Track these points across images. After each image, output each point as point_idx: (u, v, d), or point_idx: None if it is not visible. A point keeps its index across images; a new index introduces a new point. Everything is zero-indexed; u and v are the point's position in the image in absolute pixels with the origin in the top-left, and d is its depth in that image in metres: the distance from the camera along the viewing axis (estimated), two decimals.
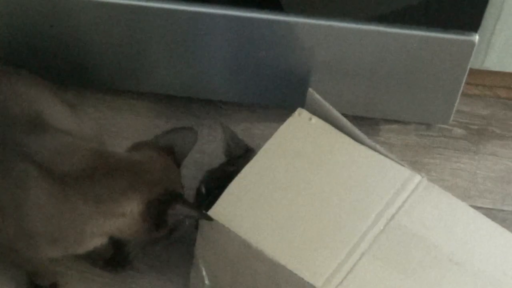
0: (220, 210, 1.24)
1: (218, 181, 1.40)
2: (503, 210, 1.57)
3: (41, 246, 1.28)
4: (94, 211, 1.24)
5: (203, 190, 1.44)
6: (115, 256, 1.48)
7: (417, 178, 1.28)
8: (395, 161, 1.30)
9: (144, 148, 1.33)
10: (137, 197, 1.25)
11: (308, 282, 1.17)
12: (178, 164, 1.34)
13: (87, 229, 1.25)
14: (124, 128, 1.68)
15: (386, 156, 1.30)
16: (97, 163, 1.26)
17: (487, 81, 1.71)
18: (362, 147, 1.32)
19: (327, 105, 1.34)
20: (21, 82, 1.36)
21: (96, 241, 1.30)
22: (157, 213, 1.25)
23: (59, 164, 1.24)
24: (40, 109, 1.31)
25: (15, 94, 1.32)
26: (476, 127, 1.69)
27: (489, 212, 1.55)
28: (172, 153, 1.33)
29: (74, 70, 1.63)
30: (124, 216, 1.25)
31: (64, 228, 1.25)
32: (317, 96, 1.35)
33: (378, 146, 1.31)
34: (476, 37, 1.41)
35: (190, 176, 1.52)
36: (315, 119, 1.36)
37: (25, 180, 1.23)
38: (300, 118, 1.36)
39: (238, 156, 1.46)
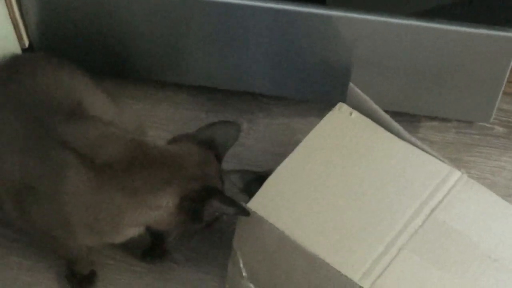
0: (259, 202, 1.24)
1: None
2: None
3: (79, 234, 1.29)
4: (130, 201, 1.24)
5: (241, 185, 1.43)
6: (153, 247, 1.49)
7: (457, 174, 1.27)
8: (435, 157, 1.29)
9: (184, 141, 1.33)
10: (173, 191, 1.25)
11: (345, 276, 1.16)
12: (219, 158, 1.33)
13: (123, 219, 1.26)
14: (164, 120, 1.68)
15: (426, 151, 1.30)
16: (135, 154, 1.26)
17: None
18: (402, 142, 1.31)
19: (368, 99, 1.34)
20: (63, 71, 1.37)
21: (132, 231, 1.30)
22: (193, 207, 1.25)
23: (98, 154, 1.25)
24: (81, 99, 1.32)
25: (57, 83, 1.34)
26: None
27: None
28: (213, 147, 1.32)
29: (114, 61, 1.65)
30: (160, 209, 1.25)
31: (101, 217, 1.25)
32: (358, 90, 1.35)
33: (418, 142, 1.31)
34: None
35: (228, 168, 1.52)
36: (355, 114, 1.35)
37: (64, 168, 1.24)
38: (341, 113, 1.36)
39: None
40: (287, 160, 1.30)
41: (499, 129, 1.67)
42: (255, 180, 1.39)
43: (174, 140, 1.35)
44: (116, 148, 1.26)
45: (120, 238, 1.32)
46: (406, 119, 1.64)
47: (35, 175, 1.27)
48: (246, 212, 1.23)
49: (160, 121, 1.68)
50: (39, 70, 1.37)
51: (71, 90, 1.34)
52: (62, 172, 1.24)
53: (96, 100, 1.36)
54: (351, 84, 1.35)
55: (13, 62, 1.45)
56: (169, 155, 1.29)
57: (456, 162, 1.60)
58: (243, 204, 1.24)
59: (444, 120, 1.67)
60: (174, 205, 1.25)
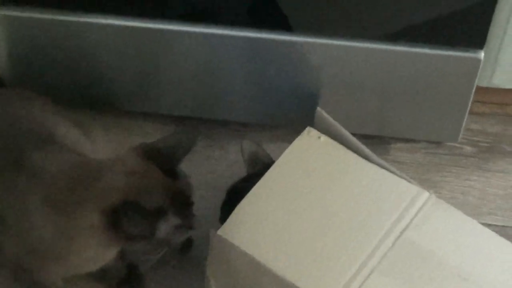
0: (230, 228, 1.24)
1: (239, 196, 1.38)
2: None
3: (49, 265, 1.26)
4: (67, 224, 1.19)
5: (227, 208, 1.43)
6: (128, 277, 1.48)
7: (426, 195, 1.28)
8: (404, 178, 1.30)
9: (126, 151, 1.26)
10: (92, 206, 1.18)
11: None
12: (169, 169, 1.25)
13: (76, 244, 1.21)
14: None
15: (394, 173, 1.31)
16: (74, 174, 1.21)
17: (496, 99, 1.72)
18: (371, 165, 1.32)
19: (335, 123, 1.35)
20: (35, 104, 1.37)
21: (91, 257, 1.23)
22: (118, 222, 1.17)
23: (59, 180, 1.22)
24: (52, 130, 1.31)
25: (29, 115, 1.33)
26: (486, 144, 1.69)
27: (500, 229, 1.55)
28: (157, 157, 1.24)
29: (84, 92, 1.65)
30: (92, 228, 1.19)
31: (64, 245, 1.21)
32: (326, 115, 1.36)
33: (386, 164, 1.32)
34: (481, 54, 1.42)
35: (201, 196, 1.53)
36: (324, 138, 1.36)
37: (27, 196, 1.22)
38: (309, 137, 1.37)
39: (258, 174, 1.45)
40: (257, 185, 1.30)
41: (468, 148, 1.69)
42: (263, 164, 1.43)
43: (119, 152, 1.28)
44: (68, 171, 1.23)
45: (89, 267, 1.26)
46: (376, 141, 1.65)
47: (4, 205, 1.25)
48: (186, 229, 1.20)
49: None
50: (10, 103, 1.37)
51: (42, 121, 1.32)
52: (26, 200, 1.22)
53: (68, 131, 1.35)
54: (318, 109, 1.36)
55: None
56: (96, 168, 1.22)
57: (426, 182, 1.62)
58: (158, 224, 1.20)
59: (414, 141, 1.68)
60: (100, 221, 1.18)
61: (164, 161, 1.24)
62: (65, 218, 1.20)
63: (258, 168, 1.46)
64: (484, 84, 1.56)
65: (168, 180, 1.24)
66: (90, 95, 1.65)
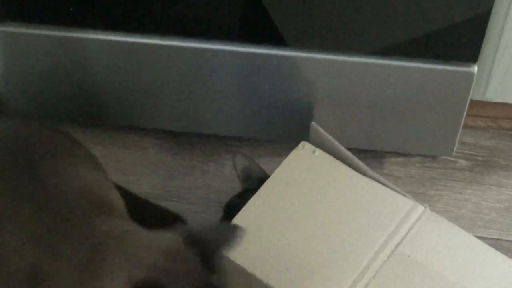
0: None
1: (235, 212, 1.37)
2: (508, 240, 1.58)
3: None
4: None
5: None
6: None
7: (420, 208, 1.29)
8: (398, 192, 1.30)
9: (171, 230, 1.16)
10: (121, 276, 1.09)
11: None
12: (207, 258, 1.14)
13: None
14: (130, 165, 1.69)
15: (389, 187, 1.31)
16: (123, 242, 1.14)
17: (490, 113, 1.73)
18: (365, 179, 1.33)
19: (330, 138, 1.36)
20: (77, 156, 1.27)
21: None
22: None
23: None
24: (107, 194, 1.23)
25: (78, 177, 1.22)
26: (480, 158, 1.70)
27: (495, 243, 1.55)
28: (198, 244, 1.14)
29: (78, 108, 1.65)
30: None
31: None
32: (320, 129, 1.36)
33: (381, 178, 1.32)
34: (475, 68, 1.42)
35: (196, 211, 1.53)
36: (318, 152, 1.37)
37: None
38: (304, 151, 1.37)
39: (252, 189, 1.45)
40: (252, 199, 1.31)
41: (462, 162, 1.69)
42: (257, 178, 1.43)
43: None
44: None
45: None
46: (370, 155, 1.66)
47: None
48: None
49: (127, 166, 1.69)
50: (49, 154, 1.24)
51: (96, 186, 1.22)
52: None
53: (115, 191, 1.27)
54: (313, 123, 1.37)
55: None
56: (133, 240, 1.14)
57: (421, 196, 1.62)
58: None
59: (408, 155, 1.69)
60: None
61: (205, 251, 1.14)
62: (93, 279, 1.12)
63: (252, 182, 1.46)
64: (477, 98, 1.57)
65: (202, 272, 1.15)
66: (85, 110, 1.66)
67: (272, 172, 1.35)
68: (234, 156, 1.49)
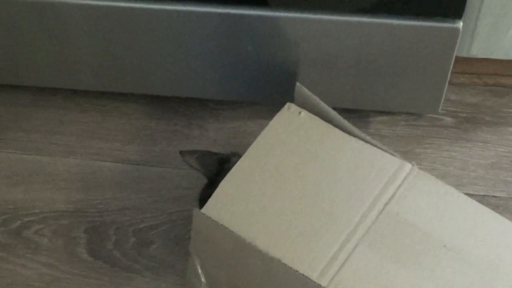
0: (213, 207, 1.24)
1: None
2: (495, 196, 1.58)
3: None
4: None
5: None
6: None
7: (408, 166, 1.28)
8: (386, 151, 1.30)
9: None
10: None
11: (303, 274, 1.17)
12: None
13: None
14: (114, 131, 1.68)
15: (376, 146, 1.31)
16: None
17: (475, 69, 1.72)
18: (352, 139, 1.32)
19: (315, 98, 1.34)
20: None
21: None
22: None
23: None
24: None
25: None
26: (465, 115, 1.69)
27: (482, 199, 1.56)
28: None
29: (61, 73, 1.63)
30: None
31: None
32: (305, 90, 1.35)
33: (368, 137, 1.31)
34: (460, 24, 1.41)
35: (182, 176, 1.52)
36: (304, 113, 1.36)
37: None
38: (290, 113, 1.36)
39: (216, 174, 1.44)
40: (238, 163, 1.30)
41: (448, 119, 1.69)
42: (216, 162, 1.42)
43: None
44: None
45: None
46: (356, 115, 1.65)
47: None
48: None
49: (110, 132, 1.67)
50: None
51: None
52: None
53: None
54: (298, 84, 1.36)
55: None
56: None
57: (407, 154, 1.62)
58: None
59: (394, 113, 1.68)
60: None
61: None
62: None
63: (213, 168, 1.44)
64: (462, 54, 1.56)
65: None
66: (66, 76, 1.64)
67: (257, 135, 1.34)
68: (182, 156, 1.45)
